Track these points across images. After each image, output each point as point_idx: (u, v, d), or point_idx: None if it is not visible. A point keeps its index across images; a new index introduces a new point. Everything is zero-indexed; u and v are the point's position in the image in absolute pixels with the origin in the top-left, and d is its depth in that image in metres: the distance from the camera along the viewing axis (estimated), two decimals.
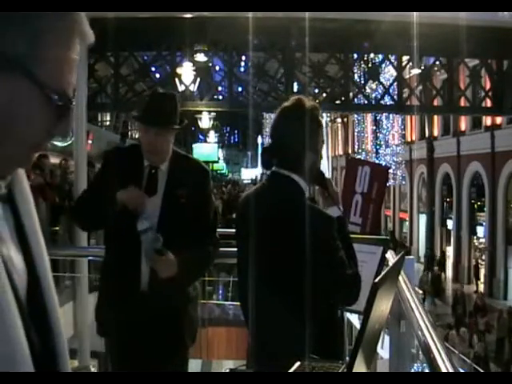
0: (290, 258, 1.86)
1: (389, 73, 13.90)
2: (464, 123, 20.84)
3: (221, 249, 2.43)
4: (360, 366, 1.07)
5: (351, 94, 12.10)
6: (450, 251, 22.42)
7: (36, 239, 0.88)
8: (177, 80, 11.57)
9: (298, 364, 1.48)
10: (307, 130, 1.89)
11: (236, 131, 67.51)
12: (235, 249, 2.17)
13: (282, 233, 1.89)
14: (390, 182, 21.69)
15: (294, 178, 1.92)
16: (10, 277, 0.78)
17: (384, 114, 21.33)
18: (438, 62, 12.51)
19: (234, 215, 17.89)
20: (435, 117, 22.24)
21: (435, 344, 1.58)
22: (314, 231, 1.80)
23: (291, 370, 1.44)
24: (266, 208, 1.94)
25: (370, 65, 12.67)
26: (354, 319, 4.02)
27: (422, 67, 12.68)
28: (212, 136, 31.33)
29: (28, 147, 0.81)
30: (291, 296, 1.85)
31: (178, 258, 2.15)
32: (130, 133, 25.52)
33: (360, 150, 26.19)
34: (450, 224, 22.37)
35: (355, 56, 12.24)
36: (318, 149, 1.98)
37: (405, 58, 12.39)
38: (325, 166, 37.12)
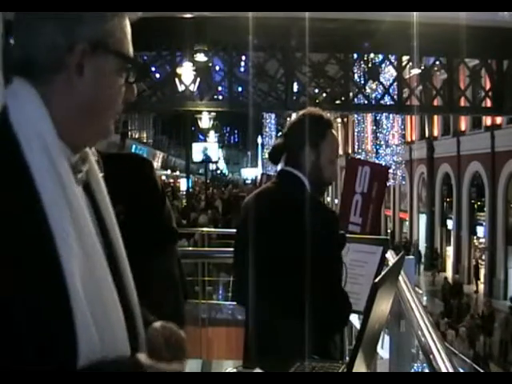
0: (295, 251, 1.87)
1: (389, 73, 13.90)
2: (464, 123, 20.83)
3: (221, 249, 2.43)
4: (360, 366, 1.07)
5: (351, 94, 12.10)
6: (450, 251, 22.42)
7: (111, 219, 1.01)
8: (177, 80, 11.57)
9: (298, 364, 1.48)
10: (309, 135, 2.04)
11: (236, 131, 67.53)
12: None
13: (285, 226, 1.94)
14: (390, 182, 21.68)
15: (298, 175, 2.03)
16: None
17: (384, 114, 21.31)
18: (438, 62, 12.52)
19: (231, 215, 17.90)
20: (435, 117, 22.23)
21: (435, 344, 1.58)
22: (317, 225, 1.85)
23: (291, 370, 1.44)
24: (270, 202, 2.03)
25: (369, 65, 12.68)
26: (354, 319, 4.02)
27: (422, 67, 12.68)
28: (212, 136, 31.32)
29: (113, 114, 0.97)
30: (301, 292, 1.85)
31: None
32: (129, 133, 25.54)
33: (360, 150, 26.18)
34: (450, 224, 22.36)
35: (355, 56, 12.25)
36: (321, 154, 2.06)
37: (405, 58, 12.40)
38: None
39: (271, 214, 1.98)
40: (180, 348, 0.98)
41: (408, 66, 12.67)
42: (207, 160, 24.51)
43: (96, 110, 0.93)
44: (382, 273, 1.17)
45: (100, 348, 0.84)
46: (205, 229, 9.94)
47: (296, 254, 1.85)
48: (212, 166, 39.36)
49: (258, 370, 1.35)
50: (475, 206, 20.81)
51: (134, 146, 23.45)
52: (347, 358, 2.37)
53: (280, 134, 44.72)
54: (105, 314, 0.87)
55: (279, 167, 2.13)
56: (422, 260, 22.98)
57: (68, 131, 0.90)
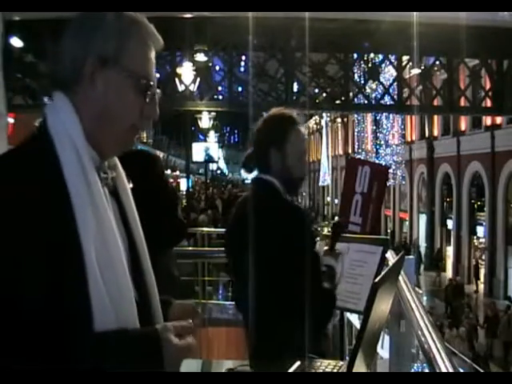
0: (270, 256, 1.92)
1: (389, 73, 13.90)
2: (464, 123, 20.83)
3: (221, 249, 2.44)
4: (360, 366, 1.07)
5: (351, 94, 12.10)
6: (450, 251, 22.41)
7: (135, 223, 1.14)
8: (177, 80, 11.57)
9: (297, 364, 1.48)
10: (271, 137, 2.06)
11: (236, 131, 67.53)
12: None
13: (261, 231, 1.96)
14: (390, 182, 21.69)
15: (267, 179, 2.05)
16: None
17: (384, 114, 21.34)
18: (438, 62, 12.51)
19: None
20: (435, 117, 22.23)
21: (435, 344, 1.58)
22: (286, 224, 1.91)
23: (291, 370, 1.44)
24: (246, 210, 2.05)
25: (370, 65, 12.67)
26: (354, 319, 4.02)
27: (422, 67, 12.68)
28: (212, 136, 31.32)
29: (128, 127, 1.07)
30: (276, 293, 1.92)
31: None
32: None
33: (360, 150, 26.20)
34: (450, 224, 22.36)
35: (355, 56, 12.24)
36: (287, 153, 2.05)
37: (405, 58, 12.39)
38: (325, 166, 37.19)
39: (246, 223, 1.99)
40: (195, 315, 1.15)
41: (408, 66, 12.66)
42: (208, 160, 24.49)
43: (108, 121, 1.05)
44: (382, 273, 1.17)
45: (113, 318, 0.97)
46: (205, 229, 9.93)
47: (271, 258, 1.90)
48: (212, 166, 39.33)
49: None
50: (475, 206, 20.81)
51: (134, 146, 23.39)
52: (347, 358, 2.37)
53: None
54: (118, 292, 0.99)
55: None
56: (423, 260, 22.97)
57: (92, 137, 1.04)
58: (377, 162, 17.14)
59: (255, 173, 2.15)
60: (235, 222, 2.14)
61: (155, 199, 2.19)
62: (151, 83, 1.08)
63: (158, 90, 1.12)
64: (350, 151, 31.87)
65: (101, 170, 1.07)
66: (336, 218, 2.16)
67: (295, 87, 12.40)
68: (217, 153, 31.61)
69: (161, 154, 34.40)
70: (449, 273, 21.84)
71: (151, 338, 1.00)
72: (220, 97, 12.23)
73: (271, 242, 1.90)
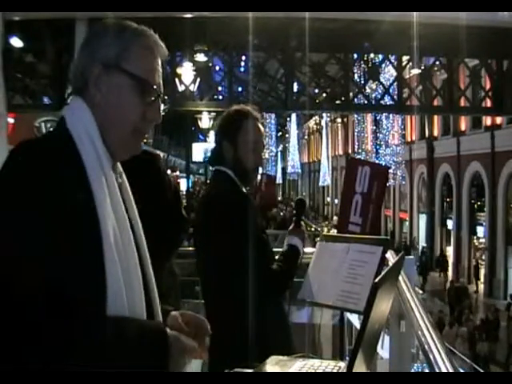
0: (219, 241, 2.03)
1: (389, 73, 13.90)
2: (464, 123, 20.82)
3: None
4: (360, 366, 1.07)
5: (351, 94, 12.09)
6: (450, 251, 22.40)
7: (138, 226, 1.23)
8: (177, 80, 11.56)
9: (297, 364, 1.48)
10: (224, 130, 2.22)
11: None
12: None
13: (213, 220, 2.10)
14: (390, 182, 21.68)
15: (222, 170, 2.19)
16: None
17: (384, 114, 21.32)
18: (438, 62, 12.51)
19: None
20: (435, 117, 22.22)
21: (435, 344, 1.58)
22: (232, 210, 2.02)
23: (291, 370, 1.44)
24: (203, 203, 2.23)
25: (369, 65, 12.67)
26: (354, 319, 4.02)
27: (422, 67, 12.67)
28: (212, 136, 31.33)
29: (130, 130, 1.16)
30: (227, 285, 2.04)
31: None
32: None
33: (360, 150, 26.19)
34: (450, 224, 22.35)
35: (355, 56, 12.24)
36: (238, 144, 2.18)
37: (405, 58, 12.39)
38: (325, 166, 37.17)
39: (205, 215, 2.15)
40: (201, 327, 1.19)
41: (408, 66, 12.65)
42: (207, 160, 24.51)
43: (112, 123, 1.14)
44: (382, 273, 1.17)
45: (125, 304, 1.05)
46: None
47: (219, 249, 2.01)
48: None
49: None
50: (475, 206, 20.80)
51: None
52: (347, 358, 2.37)
53: (280, 134, 44.63)
54: (129, 278, 1.08)
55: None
56: (422, 260, 22.96)
57: (103, 139, 1.13)
58: (377, 162, 17.14)
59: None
60: (196, 217, 2.26)
61: (158, 197, 2.21)
62: (153, 87, 1.16)
63: (166, 97, 1.21)
64: (350, 151, 31.86)
65: (114, 170, 1.17)
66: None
67: (295, 87, 12.40)
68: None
69: (161, 154, 34.32)
70: (449, 273, 21.83)
71: (159, 331, 1.07)
72: (220, 97, 12.23)
73: (220, 231, 2.01)
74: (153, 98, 1.17)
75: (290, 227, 2.27)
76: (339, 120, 35.43)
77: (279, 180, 44.44)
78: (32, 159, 1.04)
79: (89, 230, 1.03)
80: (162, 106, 1.20)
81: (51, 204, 1.00)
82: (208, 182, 2.50)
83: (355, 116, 27.10)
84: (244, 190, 2.20)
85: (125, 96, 1.14)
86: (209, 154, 2.39)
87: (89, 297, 1.01)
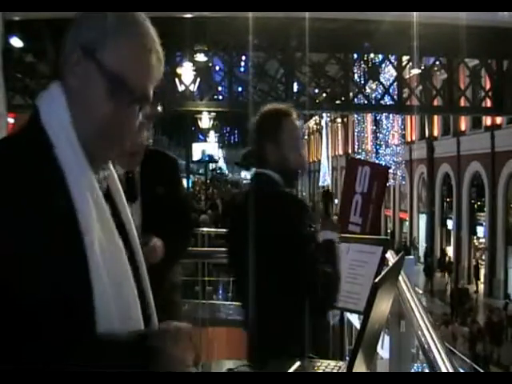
0: (271, 247, 1.91)
1: (389, 73, 13.90)
2: (464, 123, 20.81)
3: (220, 249, 2.44)
4: (360, 366, 1.07)
5: (351, 94, 12.11)
6: (449, 251, 22.39)
7: (130, 226, 1.09)
8: (177, 80, 11.56)
9: (298, 364, 1.48)
10: (266, 130, 2.07)
11: (236, 131, 67.51)
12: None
13: (262, 224, 1.96)
14: (390, 182, 21.68)
15: (266, 172, 2.06)
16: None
17: (384, 114, 21.32)
18: (438, 62, 12.52)
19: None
20: (435, 117, 22.21)
21: (435, 344, 1.58)
22: (286, 216, 1.92)
23: (291, 370, 1.44)
24: (247, 204, 2.06)
25: (369, 65, 12.68)
26: (354, 319, 4.01)
27: (422, 67, 12.68)
28: (212, 136, 31.33)
29: (100, 134, 0.97)
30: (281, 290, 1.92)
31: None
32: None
33: (360, 150, 26.19)
34: (450, 224, 22.34)
35: (355, 56, 12.25)
36: (282, 145, 2.07)
37: (405, 58, 12.40)
38: (325, 166, 37.17)
39: (247, 218, 1.99)
40: (188, 339, 1.02)
41: (408, 66, 12.66)
42: (208, 160, 24.51)
43: (84, 121, 0.97)
44: (382, 273, 1.17)
45: (116, 318, 0.94)
46: (205, 229, 9.93)
47: (272, 252, 1.90)
48: (212, 166, 39.35)
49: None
50: (475, 206, 20.79)
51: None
52: (347, 358, 2.37)
53: None
54: (121, 292, 0.97)
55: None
56: (421, 260, 22.95)
57: (78, 131, 0.97)
58: (377, 162, 17.15)
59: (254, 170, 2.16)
60: (236, 219, 2.14)
61: (174, 200, 2.26)
62: (129, 88, 0.96)
63: (159, 108, 1.06)
64: (349, 151, 31.84)
65: (92, 169, 0.99)
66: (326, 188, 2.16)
67: (295, 87, 12.41)
68: (217, 153, 31.62)
69: None
70: (452, 274, 21.79)
71: (137, 348, 0.92)
72: (220, 97, 12.24)
73: (272, 235, 1.90)
74: (128, 101, 0.97)
75: (320, 221, 2.14)
76: (339, 120, 35.41)
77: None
78: (2, 163, 0.91)
79: (71, 242, 0.90)
80: (156, 109, 1.08)
81: (26, 215, 0.87)
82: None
83: (355, 116, 27.10)
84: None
85: (94, 92, 0.96)
86: (239, 160, 2.28)
87: (74, 314, 0.89)
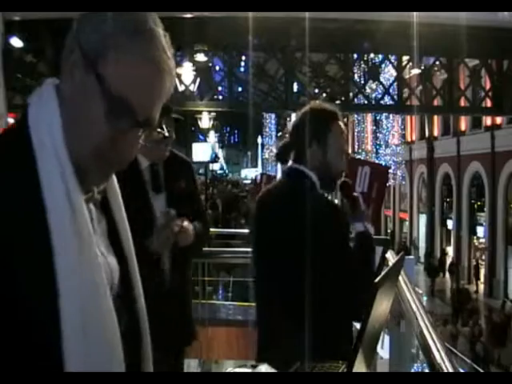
0: (303, 249, 1.81)
1: (389, 73, 13.90)
2: (464, 123, 20.82)
3: (220, 249, 2.45)
4: (360, 366, 1.07)
5: (351, 94, 12.10)
6: (449, 251, 22.39)
7: (127, 239, 0.98)
8: (177, 80, 11.56)
9: (298, 364, 1.47)
10: (314, 130, 1.98)
11: (236, 131, 67.50)
12: (234, 248, 2.19)
13: (295, 224, 1.89)
14: (390, 182, 21.67)
15: (305, 172, 1.98)
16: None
17: (384, 114, 21.30)
18: (438, 62, 12.51)
19: (233, 215, 17.89)
20: (435, 117, 22.22)
21: (435, 344, 1.58)
22: (324, 222, 1.83)
23: (291, 370, 1.44)
24: (280, 200, 1.98)
25: (369, 65, 12.68)
26: None
27: (422, 67, 12.68)
28: (212, 136, 31.33)
29: (92, 153, 0.84)
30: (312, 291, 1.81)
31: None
32: None
33: (360, 150, 26.17)
34: (450, 224, 22.34)
35: (355, 56, 12.25)
36: (328, 148, 2.00)
37: (405, 58, 12.40)
38: None
39: (280, 213, 1.94)
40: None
41: (408, 66, 12.66)
42: (208, 160, 24.50)
43: (76, 133, 0.85)
44: (382, 273, 1.16)
45: (89, 353, 0.80)
46: None
47: (304, 250, 1.79)
48: (212, 166, 39.35)
49: (263, 368, 1.35)
50: (475, 206, 20.79)
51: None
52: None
53: (280, 134, 44.70)
54: (98, 326, 0.83)
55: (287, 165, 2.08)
56: (421, 260, 22.95)
57: (69, 141, 0.85)
58: (377, 162, 17.14)
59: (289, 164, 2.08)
60: (265, 214, 2.03)
61: (193, 199, 2.31)
62: (141, 113, 0.84)
63: (162, 134, 0.94)
64: (349, 151, 31.76)
65: (84, 184, 0.87)
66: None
67: (295, 87, 12.41)
68: (217, 153, 31.61)
69: None
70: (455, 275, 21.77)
71: None
72: (220, 97, 12.24)
73: (312, 239, 1.80)
74: (128, 125, 0.84)
75: (349, 213, 2.06)
76: None
77: None
78: None
79: (40, 267, 0.78)
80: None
81: None
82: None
83: (355, 116, 27.08)
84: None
85: (91, 107, 0.83)
86: (277, 151, 2.13)
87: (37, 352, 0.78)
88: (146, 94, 0.84)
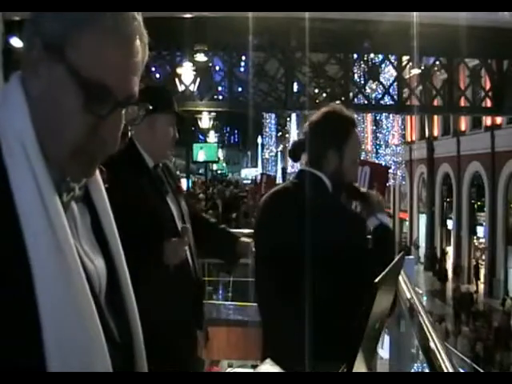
0: (314, 253, 1.80)
1: (389, 73, 13.90)
2: (464, 123, 20.83)
3: None
4: (360, 366, 1.07)
5: (351, 94, 12.11)
6: (449, 251, 22.40)
7: (113, 235, 0.90)
8: (177, 80, 11.57)
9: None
10: (332, 136, 1.96)
11: (236, 131, 67.52)
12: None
13: (309, 226, 1.84)
14: (390, 182, 21.67)
15: (318, 175, 1.95)
16: (84, 271, 0.79)
17: (384, 114, 21.32)
18: (438, 62, 12.52)
19: (234, 215, 17.89)
20: (435, 117, 22.23)
21: (435, 344, 1.58)
22: (339, 227, 1.82)
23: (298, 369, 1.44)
24: (290, 204, 1.95)
25: (370, 65, 12.69)
26: None
27: (422, 67, 12.68)
28: (212, 136, 31.32)
29: (69, 150, 0.77)
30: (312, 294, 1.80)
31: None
32: (129, 133, 25.44)
33: (360, 150, 26.16)
34: (450, 224, 22.35)
35: (355, 56, 12.25)
36: (345, 155, 1.97)
37: (405, 58, 12.40)
38: None
39: (290, 214, 1.91)
40: None
41: (408, 66, 12.67)
42: (208, 160, 24.51)
43: (49, 132, 0.77)
44: (382, 273, 1.16)
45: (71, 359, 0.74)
46: None
47: (315, 254, 1.78)
48: (212, 166, 39.36)
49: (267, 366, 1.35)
50: (475, 206, 20.80)
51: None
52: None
53: (280, 134, 44.65)
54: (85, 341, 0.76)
55: (299, 166, 2.08)
56: (421, 260, 22.95)
57: (44, 140, 0.78)
58: (377, 162, 17.14)
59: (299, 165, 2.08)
60: (271, 216, 2.00)
61: (189, 205, 2.32)
62: (110, 93, 0.77)
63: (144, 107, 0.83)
64: None
65: (63, 184, 0.80)
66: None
67: (295, 87, 12.41)
68: (217, 153, 31.60)
69: None
70: (449, 273, 21.82)
71: None
72: (220, 97, 12.23)
73: (318, 240, 1.77)
74: (108, 109, 0.77)
75: (363, 206, 2.04)
76: None
77: (279, 180, 44.42)
78: None
79: (17, 278, 0.71)
80: (136, 116, 0.83)
81: None
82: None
83: (355, 116, 27.11)
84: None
85: (65, 98, 0.76)
86: (290, 147, 2.10)
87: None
88: (122, 69, 0.78)
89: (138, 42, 0.79)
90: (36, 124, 0.77)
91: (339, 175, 1.96)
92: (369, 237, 1.97)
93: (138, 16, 0.80)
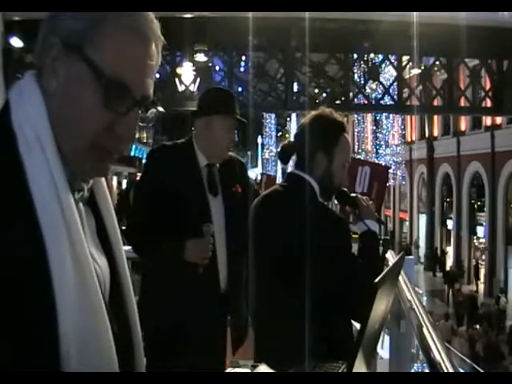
0: (300, 257, 1.80)
1: (389, 73, 13.91)
2: (464, 123, 20.83)
3: None
4: (360, 366, 1.07)
5: (351, 94, 12.12)
6: (450, 251, 22.40)
7: (116, 238, 0.92)
8: (177, 80, 11.57)
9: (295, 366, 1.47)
10: (321, 139, 1.95)
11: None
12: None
13: (292, 231, 1.87)
14: (390, 182, 21.67)
15: (306, 179, 1.95)
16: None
17: (384, 114, 21.32)
18: (437, 62, 12.53)
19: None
20: (435, 117, 22.23)
21: (435, 344, 1.58)
22: (322, 231, 1.81)
23: (291, 370, 1.44)
24: (279, 207, 1.96)
25: (369, 65, 12.69)
26: None
27: (422, 67, 12.69)
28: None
29: (88, 144, 0.79)
30: (298, 295, 1.80)
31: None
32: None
33: (360, 150, 26.17)
34: (450, 224, 22.35)
35: (355, 56, 12.26)
36: (333, 159, 1.97)
37: (405, 58, 12.41)
38: None
39: (278, 218, 1.91)
40: None
41: (408, 66, 12.67)
42: None
43: (67, 128, 0.79)
44: (382, 273, 1.16)
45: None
46: None
47: (299, 257, 1.79)
48: None
49: (262, 367, 1.35)
50: (475, 206, 20.80)
51: (134, 146, 23.40)
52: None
53: (280, 134, 44.64)
54: (92, 329, 0.77)
55: (288, 169, 2.08)
56: (421, 260, 22.93)
57: (61, 138, 0.79)
58: (377, 162, 17.14)
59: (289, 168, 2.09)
60: (264, 219, 1.99)
61: (246, 209, 2.22)
62: (129, 91, 0.79)
63: (156, 110, 0.87)
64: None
65: (75, 183, 0.82)
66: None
67: (295, 87, 12.42)
68: None
69: None
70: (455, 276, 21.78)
71: None
72: None
73: (303, 243, 1.78)
74: (126, 107, 0.79)
75: (353, 217, 2.05)
76: None
77: (279, 180, 44.44)
78: None
79: (32, 275, 0.72)
80: (151, 112, 0.86)
81: None
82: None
83: (355, 116, 27.10)
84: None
85: (84, 95, 0.78)
86: (279, 150, 2.12)
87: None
88: (141, 70, 0.81)
89: (154, 45, 0.82)
90: (52, 120, 0.79)
91: (328, 179, 1.96)
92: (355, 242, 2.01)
93: (154, 20, 0.83)
